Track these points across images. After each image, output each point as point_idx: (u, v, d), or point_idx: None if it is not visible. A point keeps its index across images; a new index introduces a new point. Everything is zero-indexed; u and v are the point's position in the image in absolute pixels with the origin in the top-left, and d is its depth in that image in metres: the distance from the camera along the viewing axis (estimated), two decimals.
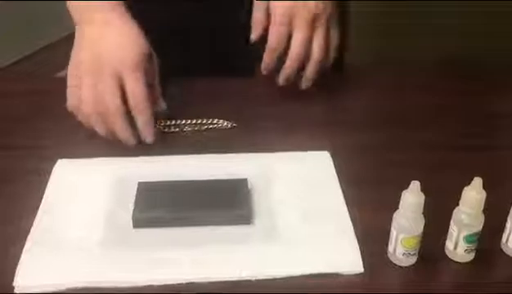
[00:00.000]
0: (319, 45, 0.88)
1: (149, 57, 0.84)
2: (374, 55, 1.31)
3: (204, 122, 0.89)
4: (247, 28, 0.91)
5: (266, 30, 0.89)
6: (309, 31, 0.87)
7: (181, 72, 0.92)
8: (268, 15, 0.88)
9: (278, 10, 0.87)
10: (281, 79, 0.91)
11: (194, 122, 0.89)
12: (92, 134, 0.85)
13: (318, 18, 0.87)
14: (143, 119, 0.83)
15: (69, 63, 0.84)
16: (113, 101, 0.81)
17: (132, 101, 0.82)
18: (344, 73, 1.08)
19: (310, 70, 0.90)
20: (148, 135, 0.84)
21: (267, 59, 0.89)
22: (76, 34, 0.85)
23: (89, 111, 0.82)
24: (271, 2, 0.88)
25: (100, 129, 0.83)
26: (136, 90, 0.82)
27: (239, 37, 0.95)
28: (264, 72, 0.90)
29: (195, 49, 1.05)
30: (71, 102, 0.84)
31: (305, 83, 0.92)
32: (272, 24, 0.87)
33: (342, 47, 1.09)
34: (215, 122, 0.89)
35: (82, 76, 0.82)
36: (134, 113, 0.83)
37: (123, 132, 0.83)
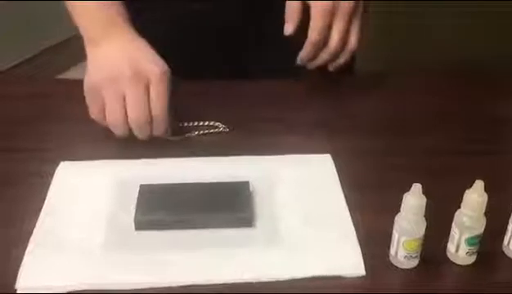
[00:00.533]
0: (355, 36, 0.90)
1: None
2: (377, 59, 1.31)
3: (206, 124, 0.89)
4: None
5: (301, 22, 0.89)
6: (348, 24, 0.89)
7: (194, 74, 0.92)
8: (304, 8, 0.89)
9: (320, 3, 0.87)
10: (314, 65, 0.92)
11: (196, 124, 0.89)
12: (95, 137, 0.85)
13: (355, 11, 0.89)
14: (159, 131, 0.83)
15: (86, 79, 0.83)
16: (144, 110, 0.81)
17: (154, 111, 0.81)
18: (350, 77, 1.08)
19: (344, 58, 0.92)
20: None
21: (307, 51, 0.90)
22: (90, 48, 0.85)
23: (118, 121, 0.82)
24: None
25: (124, 133, 0.83)
26: (160, 100, 0.81)
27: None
28: (300, 62, 0.91)
29: (207, 50, 1.05)
30: (94, 114, 0.84)
31: (334, 67, 0.93)
32: (314, 17, 0.88)
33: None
34: (216, 124, 0.89)
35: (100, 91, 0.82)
36: (153, 122, 0.82)
37: (146, 135, 0.83)
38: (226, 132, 0.89)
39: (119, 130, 0.82)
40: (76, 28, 0.87)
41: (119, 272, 0.67)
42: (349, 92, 1.00)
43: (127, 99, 0.80)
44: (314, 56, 0.90)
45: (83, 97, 0.84)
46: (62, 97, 0.97)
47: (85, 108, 0.93)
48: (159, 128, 0.83)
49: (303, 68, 0.93)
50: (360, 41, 0.91)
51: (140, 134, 0.83)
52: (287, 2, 0.88)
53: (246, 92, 0.98)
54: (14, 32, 2.38)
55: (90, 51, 0.85)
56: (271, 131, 0.89)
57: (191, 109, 0.93)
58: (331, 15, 0.88)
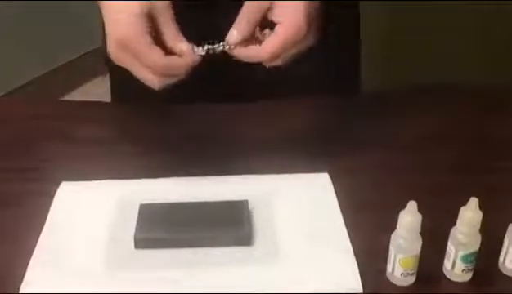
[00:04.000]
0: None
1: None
2: (375, 78, 1.32)
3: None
4: None
5: None
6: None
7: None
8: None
9: (292, 28, 0.75)
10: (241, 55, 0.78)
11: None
12: (95, 158, 0.86)
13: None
14: (176, 72, 0.75)
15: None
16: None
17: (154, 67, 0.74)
18: (348, 97, 1.09)
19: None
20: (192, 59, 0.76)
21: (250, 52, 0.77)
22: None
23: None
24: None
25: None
26: (148, 59, 0.74)
27: None
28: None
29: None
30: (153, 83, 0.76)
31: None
32: (278, 37, 0.75)
33: (357, 72, 1.11)
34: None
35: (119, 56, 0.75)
36: (171, 43, 0.75)
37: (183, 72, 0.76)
38: (224, 151, 0.90)
39: (156, 79, 0.75)
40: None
41: (120, 290, 0.67)
42: (347, 111, 1.01)
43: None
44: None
45: (84, 118, 0.84)
46: (63, 118, 0.98)
47: (87, 129, 0.95)
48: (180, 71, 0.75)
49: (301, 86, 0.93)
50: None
51: (173, 71, 0.75)
52: (246, 1, 0.75)
53: (244, 112, 0.99)
54: (17, 54, 2.41)
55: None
56: (269, 150, 0.90)
57: (191, 128, 0.94)
58: (295, 45, 0.76)
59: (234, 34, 0.75)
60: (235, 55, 0.76)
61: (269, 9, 0.75)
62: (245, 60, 0.76)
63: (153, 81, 0.75)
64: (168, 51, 0.75)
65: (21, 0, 2.31)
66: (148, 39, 0.73)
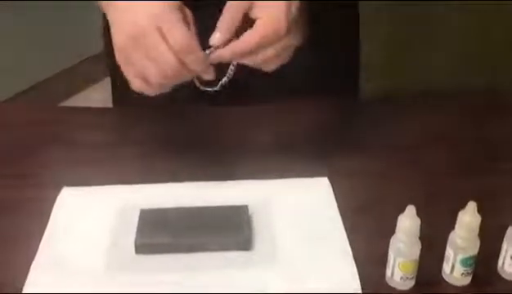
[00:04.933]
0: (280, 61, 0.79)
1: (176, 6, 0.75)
2: (374, 79, 1.33)
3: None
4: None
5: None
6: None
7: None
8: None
9: (273, 24, 0.75)
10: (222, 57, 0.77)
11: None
12: (96, 163, 0.87)
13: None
14: (194, 58, 0.74)
15: (115, 52, 0.77)
16: (168, 51, 0.72)
17: (176, 46, 0.72)
18: (348, 101, 1.09)
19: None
20: (208, 72, 0.76)
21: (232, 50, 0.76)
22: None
23: (157, 77, 0.74)
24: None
25: (178, 80, 0.76)
26: (176, 33, 0.73)
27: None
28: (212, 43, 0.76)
29: None
30: (136, 84, 0.76)
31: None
32: (257, 31, 0.75)
33: (356, 73, 1.11)
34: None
35: (130, 53, 0.75)
36: (184, 56, 0.73)
37: (198, 67, 0.75)
38: (224, 156, 0.90)
39: (163, 85, 0.76)
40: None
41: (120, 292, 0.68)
42: (346, 115, 1.02)
43: (152, 52, 0.73)
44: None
45: (85, 124, 0.85)
46: (64, 124, 0.98)
47: (87, 134, 0.95)
48: (196, 62, 0.74)
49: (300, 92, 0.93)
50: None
51: (183, 77, 0.75)
52: (228, 1, 0.75)
53: (244, 115, 0.99)
54: (18, 60, 2.41)
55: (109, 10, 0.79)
56: (268, 155, 0.90)
57: (191, 133, 0.95)
58: (274, 42, 0.75)
59: (217, 36, 0.75)
60: (217, 57, 0.75)
61: (250, 8, 0.75)
62: (226, 59, 0.76)
63: (157, 80, 0.74)
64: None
65: (23, 1, 2.32)
66: (159, 31, 0.72)
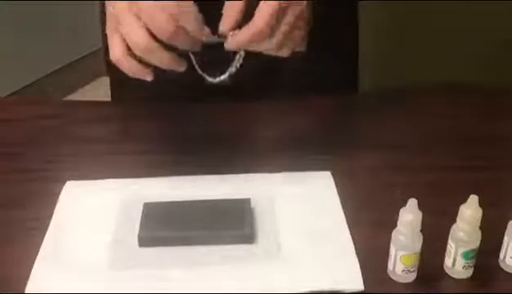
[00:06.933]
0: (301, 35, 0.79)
1: None
2: (373, 78, 1.33)
3: None
4: None
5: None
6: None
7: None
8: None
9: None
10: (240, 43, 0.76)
11: None
12: (100, 157, 0.87)
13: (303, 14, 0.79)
14: (190, 24, 0.72)
15: (107, 20, 0.77)
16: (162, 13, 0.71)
17: (152, 26, 0.71)
18: (349, 95, 1.09)
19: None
20: (203, 33, 0.74)
21: (244, 36, 0.75)
22: None
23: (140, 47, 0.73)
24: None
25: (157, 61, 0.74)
26: (153, 15, 0.71)
27: None
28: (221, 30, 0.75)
29: None
30: (117, 49, 0.74)
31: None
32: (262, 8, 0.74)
33: (355, 71, 1.12)
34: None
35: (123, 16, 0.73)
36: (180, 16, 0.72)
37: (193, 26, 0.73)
38: (227, 151, 0.90)
39: (153, 55, 0.73)
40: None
41: (124, 288, 0.68)
42: (349, 110, 1.02)
43: (142, 15, 0.72)
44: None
45: (87, 118, 0.85)
46: (68, 118, 0.99)
47: (90, 128, 0.96)
48: (187, 20, 0.72)
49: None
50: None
51: (178, 42, 0.73)
52: (226, 2, 0.75)
53: (245, 111, 0.99)
54: (17, 56, 2.42)
55: None
56: (269, 150, 0.91)
57: (193, 127, 0.95)
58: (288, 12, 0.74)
59: (225, 22, 0.74)
60: (236, 43, 0.74)
61: None
62: (245, 44, 0.74)
63: (141, 41, 0.72)
64: None
65: (22, 1, 2.32)
66: None
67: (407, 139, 0.94)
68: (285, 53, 0.77)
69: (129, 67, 0.75)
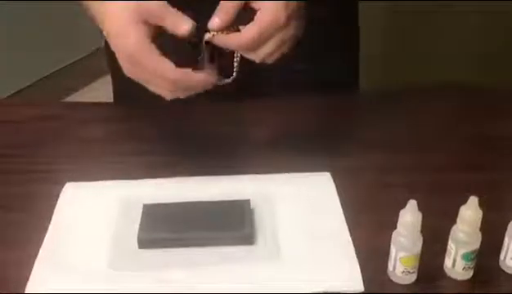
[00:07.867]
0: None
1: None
2: (374, 78, 1.33)
3: None
4: None
5: None
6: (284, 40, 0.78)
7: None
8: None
9: (273, 13, 0.75)
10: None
11: None
12: (99, 159, 0.87)
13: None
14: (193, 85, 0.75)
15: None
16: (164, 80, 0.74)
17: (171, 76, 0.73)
18: (350, 96, 1.09)
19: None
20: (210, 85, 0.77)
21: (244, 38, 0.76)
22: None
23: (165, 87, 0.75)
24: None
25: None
26: (163, 15, 0.73)
27: None
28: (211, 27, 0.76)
29: None
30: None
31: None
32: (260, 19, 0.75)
33: (356, 71, 1.12)
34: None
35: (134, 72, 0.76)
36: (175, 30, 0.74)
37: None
38: (226, 152, 0.90)
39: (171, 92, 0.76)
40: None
41: (123, 289, 0.68)
42: (349, 111, 1.02)
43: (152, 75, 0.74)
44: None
45: (87, 119, 0.85)
46: (68, 119, 0.99)
47: (90, 129, 0.96)
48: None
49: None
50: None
51: (185, 83, 0.75)
52: (221, 2, 0.75)
53: (244, 111, 0.99)
54: (19, 57, 2.42)
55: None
56: (269, 150, 0.91)
57: (193, 128, 0.95)
58: (274, 33, 0.75)
59: (216, 21, 0.75)
60: (216, 42, 0.75)
61: None
62: (225, 46, 0.76)
63: (165, 93, 0.75)
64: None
65: (22, 1, 2.32)
66: (155, 52, 0.73)
67: (407, 139, 0.94)
68: (272, 60, 0.78)
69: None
